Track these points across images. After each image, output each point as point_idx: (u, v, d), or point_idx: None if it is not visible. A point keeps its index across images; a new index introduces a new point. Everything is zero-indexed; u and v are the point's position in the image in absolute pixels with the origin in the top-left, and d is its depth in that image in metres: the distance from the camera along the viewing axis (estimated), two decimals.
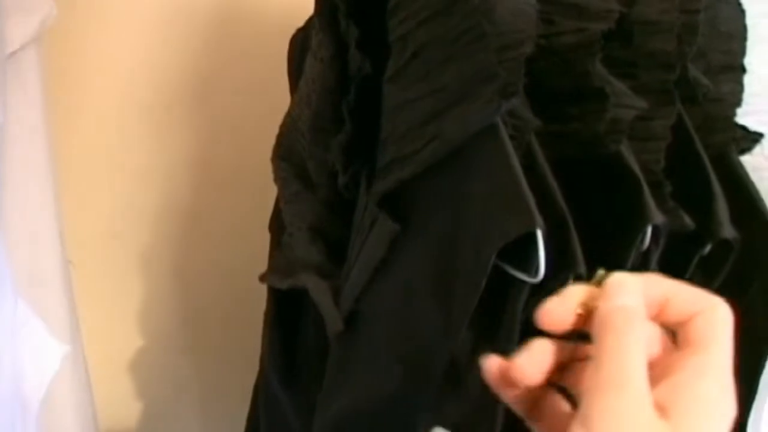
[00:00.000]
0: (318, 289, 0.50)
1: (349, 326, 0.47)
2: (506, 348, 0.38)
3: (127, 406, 0.74)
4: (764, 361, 0.47)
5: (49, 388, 0.57)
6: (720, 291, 0.32)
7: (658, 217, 0.40)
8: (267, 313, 0.62)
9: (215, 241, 0.74)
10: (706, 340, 0.32)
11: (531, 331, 0.32)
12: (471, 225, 0.39)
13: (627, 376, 0.30)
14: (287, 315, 0.59)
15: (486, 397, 0.40)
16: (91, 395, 0.61)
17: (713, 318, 0.33)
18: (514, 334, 0.40)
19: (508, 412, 0.36)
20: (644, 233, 0.41)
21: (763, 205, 0.49)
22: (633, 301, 0.33)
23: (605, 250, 0.40)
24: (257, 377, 0.65)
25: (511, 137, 0.39)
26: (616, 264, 0.36)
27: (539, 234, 0.37)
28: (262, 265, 0.60)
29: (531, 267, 0.38)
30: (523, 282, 0.39)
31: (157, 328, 0.74)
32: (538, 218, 0.36)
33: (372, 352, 0.46)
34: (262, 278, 0.60)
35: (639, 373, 0.30)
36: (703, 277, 0.46)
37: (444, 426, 0.42)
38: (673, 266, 0.43)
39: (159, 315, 0.73)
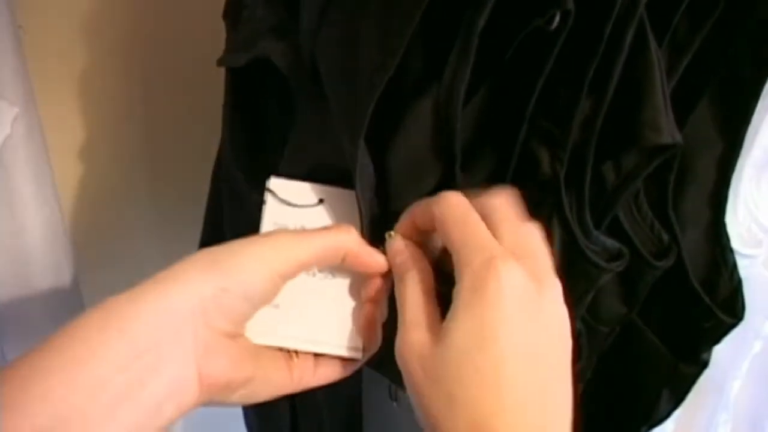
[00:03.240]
0: (280, 50, 0.48)
1: (314, 80, 0.46)
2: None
3: (81, 172, 0.74)
4: (749, 115, 0.47)
5: (1, 150, 0.57)
6: None
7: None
8: (226, 100, 0.60)
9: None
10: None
11: None
12: None
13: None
14: (247, 99, 0.58)
15: None
16: (47, 159, 0.61)
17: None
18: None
19: None
20: None
21: None
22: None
23: None
24: (214, 165, 0.65)
25: None
26: None
27: None
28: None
29: None
30: None
31: (108, 96, 0.72)
32: None
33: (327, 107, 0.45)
34: (220, 61, 0.57)
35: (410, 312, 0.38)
36: None
37: None
38: None
39: (109, 81, 0.72)
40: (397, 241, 0.42)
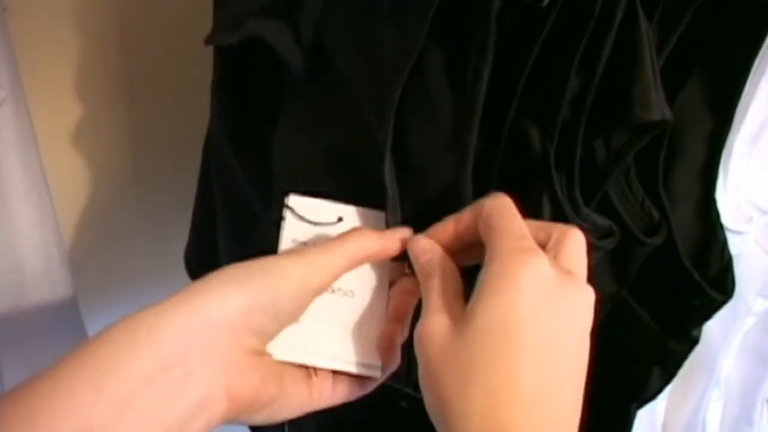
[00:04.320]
0: (272, 31, 0.47)
1: (315, 62, 0.46)
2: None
3: (68, 154, 0.74)
4: (740, 91, 0.47)
5: None
6: None
7: None
8: (214, 78, 0.60)
9: None
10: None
11: None
12: None
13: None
14: (235, 77, 0.57)
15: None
16: (35, 142, 0.60)
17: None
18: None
19: None
20: None
21: None
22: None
23: None
24: (205, 143, 0.64)
25: None
26: None
27: None
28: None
29: None
30: None
31: (96, 78, 0.71)
32: None
33: (336, 88, 0.44)
34: (207, 40, 0.57)
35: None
36: None
37: None
38: None
39: (97, 63, 0.71)
40: (423, 241, 0.41)
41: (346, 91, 0.43)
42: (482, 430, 0.33)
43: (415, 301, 0.43)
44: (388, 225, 0.43)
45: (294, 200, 0.45)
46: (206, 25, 0.55)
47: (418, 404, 0.46)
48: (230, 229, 0.62)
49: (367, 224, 0.44)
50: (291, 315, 0.39)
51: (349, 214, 0.45)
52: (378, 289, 0.43)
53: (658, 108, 0.41)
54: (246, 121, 0.57)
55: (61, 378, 0.33)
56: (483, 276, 0.36)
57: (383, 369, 0.42)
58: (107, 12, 0.70)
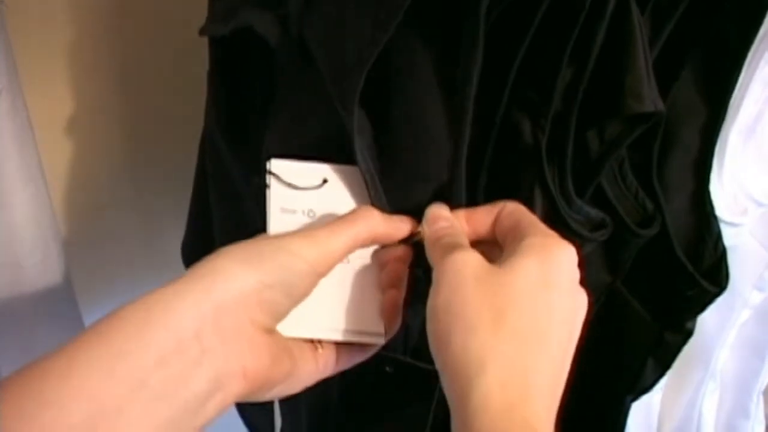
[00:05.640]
0: (262, 21, 0.47)
1: (301, 53, 0.46)
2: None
3: (65, 147, 0.74)
4: (734, 82, 0.47)
5: None
6: None
7: None
8: (209, 71, 0.60)
9: None
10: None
11: None
12: None
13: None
14: (230, 69, 0.57)
15: None
16: (32, 135, 0.60)
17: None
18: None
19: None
20: None
21: None
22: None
23: None
24: (203, 132, 0.64)
25: None
26: None
27: None
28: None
29: None
30: None
31: (93, 69, 0.72)
32: None
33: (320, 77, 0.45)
34: (202, 31, 0.57)
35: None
36: None
37: None
38: None
39: (94, 54, 0.71)
40: (443, 209, 0.43)
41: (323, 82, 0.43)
42: (503, 373, 0.34)
43: (406, 268, 0.44)
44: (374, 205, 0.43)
45: (276, 165, 0.44)
46: (201, 17, 0.55)
47: (403, 369, 0.47)
48: (224, 222, 0.63)
49: (352, 183, 0.45)
50: (302, 294, 0.39)
51: (333, 173, 0.45)
52: (369, 256, 0.44)
53: (650, 99, 0.41)
54: (239, 112, 0.57)
55: (73, 359, 0.32)
56: (522, 243, 0.38)
57: (386, 334, 0.43)
58: (103, 6, 0.70)
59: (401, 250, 0.43)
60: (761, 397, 0.69)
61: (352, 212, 0.42)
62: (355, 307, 0.43)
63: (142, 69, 0.75)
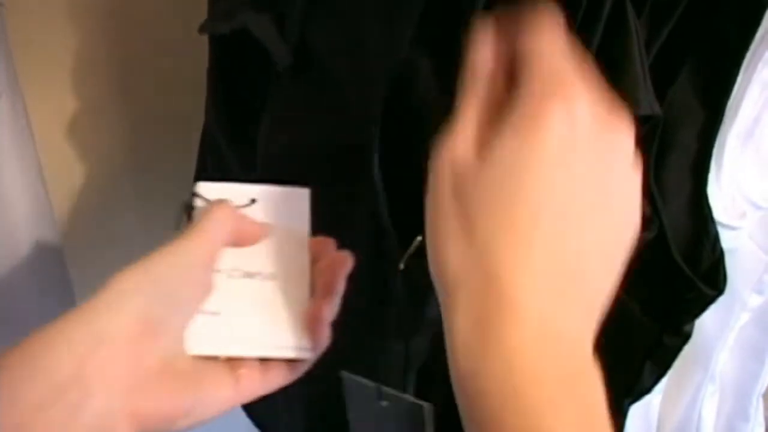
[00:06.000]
0: (258, 23, 0.47)
1: (297, 58, 0.46)
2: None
3: (66, 155, 0.74)
4: (731, 85, 0.46)
5: None
6: None
7: None
8: (209, 69, 0.60)
9: None
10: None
11: None
12: None
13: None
14: (229, 68, 0.58)
15: None
16: (32, 138, 0.61)
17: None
18: None
19: None
20: None
21: None
22: None
23: None
24: (203, 129, 0.65)
25: None
26: None
27: None
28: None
29: None
30: None
31: (93, 72, 0.72)
32: None
33: (321, 83, 0.44)
34: (202, 28, 0.57)
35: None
36: None
37: None
38: None
39: (94, 57, 0.71)
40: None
41: (331, 87, 0.43)
42: (476, 286, 0.30)
43: (344, 275, 0.42)
44: (376, 218, 0.43)
45: (204, 187, 0.43)
46: (201, 18, 0.55)
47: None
48: None
49: (283, 203, 0.43)
50: (191, 301, 0.38)
51: (263, 194, 0.43)
52: (300, 269, 0.42)
53: (646, 102, 0.41)
54: (239, 109, 0.57)
55: None
56: (511, 107, 0.31)
57: (313, 348, 0.41)
58: (103, 6, 0.70)
59: (337, 257, 0.42)
60: (761, 400, 0.69)
61: (205, 212, 0.40)
62: (278, 321, 0.41)
63: (142, 69, 0.75)
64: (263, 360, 0.40)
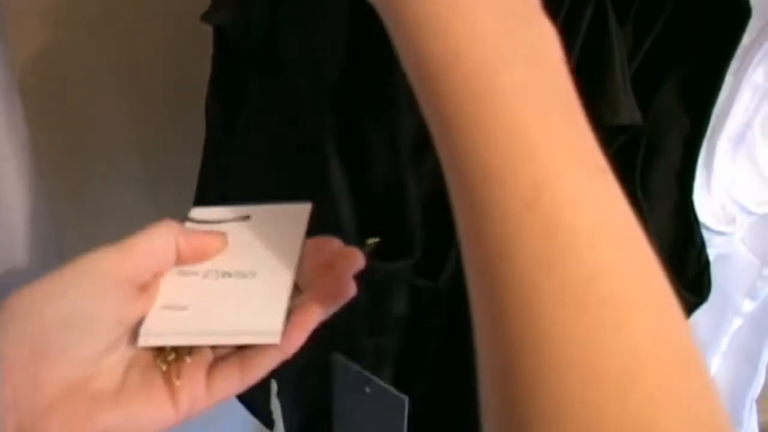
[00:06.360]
0: (232, 22, 0.48)
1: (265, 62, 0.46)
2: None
3: (66, 155, 0.75)
4: (716, 92, 0.46)
5: None
6: None
7: None
8: (212, 56, 0.60)
9: None
10: None
11: None
12: None
13: None
14: (230, 57, 0.58)
15: None
16: (29, 134, 0.61)
17: None
18: None
19: None
20: None
21: None
22: None
23: None
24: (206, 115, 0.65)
25: None
26: None
27: None
28: None
29: None
30: None
31: (90, 63, 0.73)
32: None
33: (287, 91, 0.45)
34: (205, 17, 0.57)
35: None
36: None
37: None
38: None
39: (91, 48, 0.72)
40: None
41: (293, 92, 0.43)
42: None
43: (350, 273, 0.39)
44: (339, 221, 0.43)
45: (196, 212, 0.42)
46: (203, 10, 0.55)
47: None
48: None
49: (280, 218, 0.42)
50: (103, 319, 0.34)
51: (257, 212, 0.42)
52: (284, 266, 0.40)
53: (627, 112, 0.41)
54: (233, 99, 0.57)
55: None
56: None
57: (289, 345, 0.37)
58: (103, 6, 0.70)
59: (345, 251, 0.40)
60: (754, 405, 0.68)
61: (151, 226, 0.37)
62: (247, 310, 0.38)
63: (142, 69, 0.76)
64: (211, 367, 0.37)
